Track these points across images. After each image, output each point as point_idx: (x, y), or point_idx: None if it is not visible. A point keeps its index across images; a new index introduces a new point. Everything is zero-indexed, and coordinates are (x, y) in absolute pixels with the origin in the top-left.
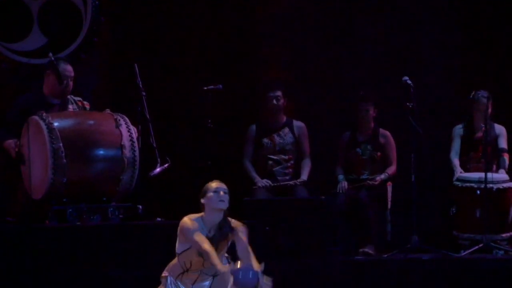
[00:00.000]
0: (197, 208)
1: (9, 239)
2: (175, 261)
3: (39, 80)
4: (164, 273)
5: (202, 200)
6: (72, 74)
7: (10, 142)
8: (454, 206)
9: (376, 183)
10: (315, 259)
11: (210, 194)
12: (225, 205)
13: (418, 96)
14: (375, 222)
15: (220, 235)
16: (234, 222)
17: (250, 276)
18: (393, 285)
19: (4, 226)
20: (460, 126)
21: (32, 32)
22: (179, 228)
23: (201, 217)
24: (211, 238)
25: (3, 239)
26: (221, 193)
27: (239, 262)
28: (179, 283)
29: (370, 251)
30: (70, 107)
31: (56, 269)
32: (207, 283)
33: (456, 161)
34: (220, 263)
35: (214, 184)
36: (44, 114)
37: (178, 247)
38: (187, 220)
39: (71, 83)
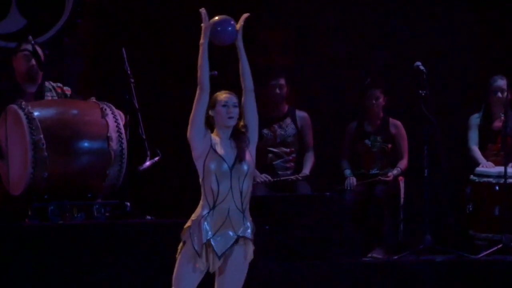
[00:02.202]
0: (192, 206)
1: None
2: (201, 201)
3: (7, 68)
4: (188, 223)
5: (210, 112)
6: (30, 51)
7: None
8: (471, 203)
9: (389, 179)
10: (319, 260)
11: (219, 108)
12: (234, 122)
13: (431, 83)
14: (389, 221)
15: (239, 146)
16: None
17: (230, 29)
18: None
19: None
20: (477, 115)
21: (10, 13)
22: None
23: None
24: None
25: None
26: (231, 108)
27: (217, 16)
28: (204, 224)
29: (379, 256)
30: (48, 94)
31: (36, 270)
32: (231, 233)
33: (477, 150)
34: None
35: (223, 96)
36: (23, 103)
37: (198, 168)
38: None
39: (36, 62)
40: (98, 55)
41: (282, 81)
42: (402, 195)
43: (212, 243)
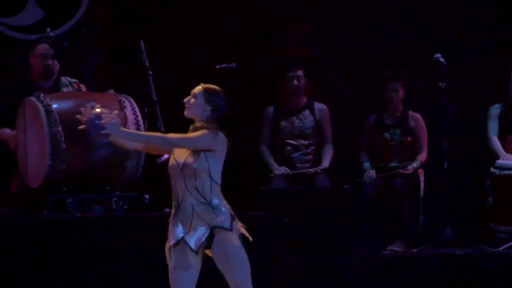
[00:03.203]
0: None
1: (4, 231)
2: None
3: (25, 63)
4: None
5: None
6: (48, 52)
7: (9, 133)
8: (491, 196)
9: (409, 172)
10: (338, 254)
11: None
12: (187, 112)
13: (451, 75)
14: (408, 214)
15: None
16: None
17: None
18: (423, 283)
19: None
20: (497, 106)
21: (28, 5)
22: None
23: None
24: None
25: None
26: (187, 98)
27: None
28: (174, 225)
29: (399, 249)
30: (65, 89)
31: (55, 263)
32: (203, 227)
33: (496, 140)
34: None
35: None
36: (42, 95)
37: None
38: None
39: (53, 62)
40: (116, 47)
41: (300, 73)
42: (421, 188)
43: (186, 239)
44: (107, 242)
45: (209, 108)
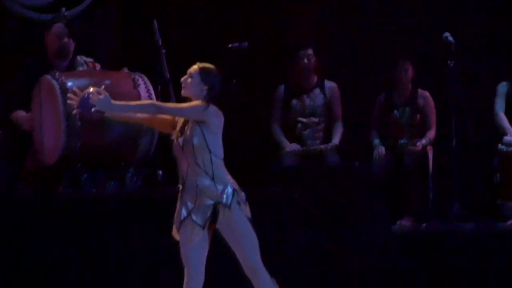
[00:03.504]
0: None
1: (20, 207)
2: None
3: (41, 43)
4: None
5: None
6: (63, 31)
7: (23, 116)
8: (499, 173)
9: (418, 148)
10: (348, 229)
11: None
12: (184, 91)
13: (459, 53)
14: (417, 191)
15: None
16: None
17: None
18: (432, 257)
19: (14, 194)
20: (504, 83)
21: None
22: None
23: None
24: None
25: (14, 207)
26: (184, 77)
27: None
28: (181, 201)
29: (408, 223)
30: (80, 69)
31: (70, 238)
32: (208, 202)
33: (503, 116)
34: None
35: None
36: (57, 73)
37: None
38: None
39: (69, 41)
40: (130, 27)
41: (310, 51)
42: (430, 165)
43: (192, 216)
44: (121, 218)
45: (205, 87)
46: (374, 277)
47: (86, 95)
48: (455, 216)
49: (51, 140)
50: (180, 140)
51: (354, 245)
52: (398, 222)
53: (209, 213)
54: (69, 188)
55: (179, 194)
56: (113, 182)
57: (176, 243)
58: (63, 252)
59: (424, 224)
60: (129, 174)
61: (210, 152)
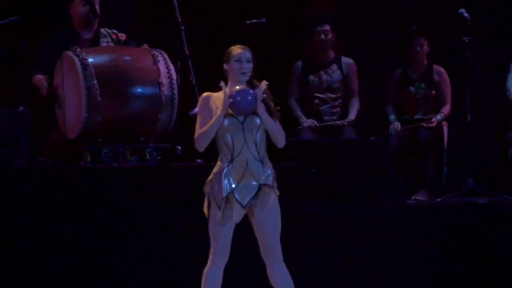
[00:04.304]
0: None
1: (43, 180)
2: (219, 156)
3: (66, 15)
4: (210, 177)
5: (225, 66)
6: (97, 2)
7: (41, 79)
8: None
9: (433, 124)
10: (364, 203)
11: (232, 63)
12: (247, 77)
13: (474, 30)
14: (432, 165)
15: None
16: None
17: (249, 98)
18: (446, 231)
19: (37, 167)
20: None
21: None
22: None
23: (223, 92)
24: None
25: (37, 180)
26: (244, 62)
27: (237, 86)
28: (225, 177)
29: (423, 198)
30: (104, 40)
31: (91, 210)
32: (253, 182)
33: None
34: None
35: (237, 51)
36: (78, 49)
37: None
38: (201, 99)
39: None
40: (150, 3)
41: (327, 27)
42: (445, 140)
43: (235, 194)
44: (141, 191)
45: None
46: (389, 249)
47: (255, 94)
48: (469, 191)
49: (72, 115)
50: (240, 116)
51: (370, 218)
52: (413, 197)
53: (253, 193)
54: (90, 162)
55: (223, 170)
56: (133, 156)
57: (194, 214)
58: (83, 222)
59: (438, 199)
60: (149, 149)
61: (266, 134)
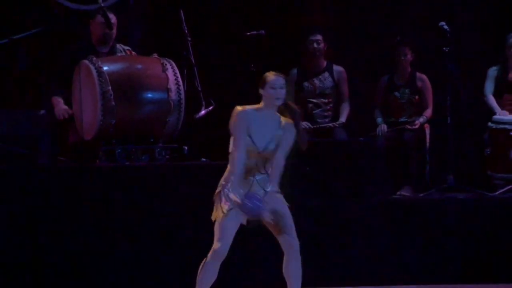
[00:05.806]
0: None
1: (62, 177)
2: (228, 166)
3: (86, 29)
4: (218, 188)
5: (261, 91)
6: (114, 20)
7: (58, 101)
8: (489, 147)
9: (416, 126)
10: (354, 198)
11: (268, 89)
12: (280, 102)
13: (454, 39)
14: (416, 163)
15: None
16: (285, 120)
17: (258, 203)
18: (429, 224)
19: (57, 165)
20: (494, 68)
21: None
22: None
23: (257, 108)
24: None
25: (57, 177)
26: (278, 89)
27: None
28: (234, 188)
29: (408, 193)
30: (119, 55)
31: (106, 205)
32: (261, 191)
33: (492, 98)
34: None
35: (272, 78)
36: (94, 58)
37: (231, 144)
38: (236, 114)
39: (114, 30)
40: (159, 17)
41: (319, 37)
42: (427, 140)
43: (245, 200)
44: (151, 187)
45: None
46: (377, 240)
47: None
48: (450, 187)
49: (89, 118)
50: (260, 145)
51: (359, 212)
52: (398, 193)
53: (261, 198)
54: (105, 161)
55: (229, 185)
56: (144, 156)
57: (199, 209)
58: (99, 217)
59: (421, 194)
60: (158, 149)
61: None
